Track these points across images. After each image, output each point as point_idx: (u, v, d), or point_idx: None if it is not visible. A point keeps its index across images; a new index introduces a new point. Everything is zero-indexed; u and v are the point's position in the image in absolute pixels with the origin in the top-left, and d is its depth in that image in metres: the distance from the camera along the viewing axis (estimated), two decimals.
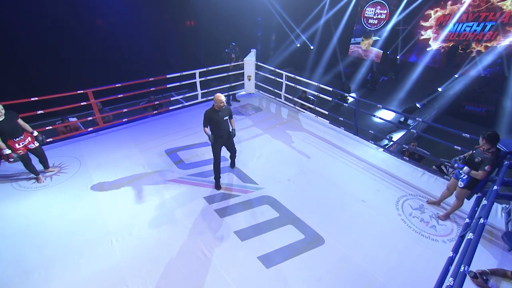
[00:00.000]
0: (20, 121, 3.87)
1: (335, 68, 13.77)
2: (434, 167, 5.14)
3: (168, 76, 5.95)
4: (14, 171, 4.30)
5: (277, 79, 6.61)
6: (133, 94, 5.76)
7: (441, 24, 10.84)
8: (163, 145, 5.17)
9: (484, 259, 3.08)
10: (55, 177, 4.29)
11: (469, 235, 2.37)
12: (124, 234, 3.34)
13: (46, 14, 7.63)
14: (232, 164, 4.59)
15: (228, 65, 6.77)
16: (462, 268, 2.04)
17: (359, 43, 13.53)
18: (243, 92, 7.44)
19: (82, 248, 3.16)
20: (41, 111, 4.70)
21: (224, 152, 4.22)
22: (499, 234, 3.37)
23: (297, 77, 6.31)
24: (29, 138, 3.97)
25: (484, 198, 3.19)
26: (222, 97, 3.74)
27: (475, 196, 3.42)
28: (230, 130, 4.00)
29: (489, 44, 9.80)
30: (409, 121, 9.29)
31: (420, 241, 3.34)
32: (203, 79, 6.42)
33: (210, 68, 6.44)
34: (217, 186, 4.10)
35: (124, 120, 5.86)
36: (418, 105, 9.88)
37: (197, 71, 6.22)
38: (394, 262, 3.09)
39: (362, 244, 3.30)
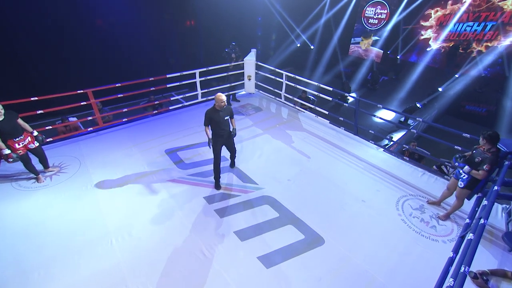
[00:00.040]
0: (20, 121, 3.86)
1: (335, 68, 13.77)
2: (434, 167, 5.13)
3: (168, 76, 5.95)
4: (14, 171, 4.30)
5: (277, 79, 6.61)
6: (133, 94, 5.75)
7: (441, 23, 10.83)
8: (163, 145, 5.17)
9: (485, 259, 3.08)
10: (55, 177, 4.29)
11: (470, 236, 2.37)
12: (124, 234, 3.33)
13: (46, 14, 7.63)
14: (232, 164, 4.58)
15: (228, 65, 6.77)
16: (462, 269, 2.04)
17: (358, 43, 13.53)
18: (243, 92, 7.44)
19: (82, 248, 3.16)
20: (41, 111, 4.70)
21: (224, 152, 4.21)
22: (500, 235, 3.36)
23: (297, 77, 6.30)
24: (29, 138, 3.97)
25: (484, 199, 3.18)
26: (223, 96, 3.74)
27: (475, 196, 3.42)
28: (231, 129, 4.00)
29: (489, 44, 9.78)
30: (410, 121, 9.29)
31: (420, 241, 3.34)
32: (203, 79, 6.42)
33: (210, 68, 6.44)
34: (217, 186, 4.10)
35: (124, 120, 5.85)
36: (418, 105, 9.87)
37: (197, 71, 6.22)
38: (394, 262, 3.09)
39: (362, 244, 3.30)
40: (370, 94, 11.63)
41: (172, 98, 7.58)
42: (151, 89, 5.89)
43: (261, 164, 4.71)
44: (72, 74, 8.26)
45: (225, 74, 6.74)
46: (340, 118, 5.67)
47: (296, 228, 3.47)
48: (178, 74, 6.00)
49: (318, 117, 6.20)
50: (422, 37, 11.48)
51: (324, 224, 3.53)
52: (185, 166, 4.60)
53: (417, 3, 11.04)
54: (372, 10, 12.52)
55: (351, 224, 3.58)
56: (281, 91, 6.66)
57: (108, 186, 4.11)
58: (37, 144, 4.06)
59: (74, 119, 6.31)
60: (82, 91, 4.99)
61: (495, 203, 3.69)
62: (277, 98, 7.01)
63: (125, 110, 5.79)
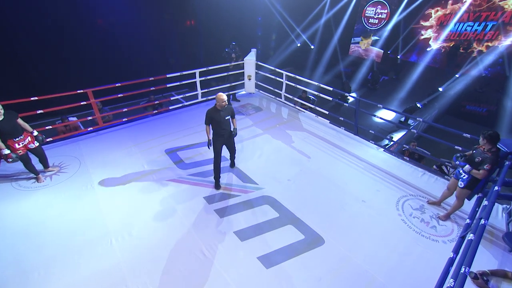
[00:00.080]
0: (20, 120, 3.86)
1: (336, 67, 13.77)
2: (434, 167, 5.13)
3: (168, 75, 5.95)
4: (14, 171, 4.30)
5: (278, 78, 6.60)
6: (133, 93, 5.75)
7: (442, 23, 10.82)
8: (163, 144, 5.17)
9: (485, 259, 3.07)
10: (55, 176, 4.29)
11: (470, 236, 2.37)
12: (124, 234, 3.33)
13: (46, 14, 7.62)
14: (232, 164, 4.58)
15: (228, 64, 6.77)
16: (462, 269, 2.03)
17: (358, 42, 13.53)
18: (243, 92, 7.44)
19: (82, 248, 3.16)
20: (41, 111, 4.70)
21: (224, 152, 4.21)
22: (500, 235, 3.35)
23: (298, 76, 6.30)
24: (29, 138, 3.97)
25: (485, 199, 3.18)
26: (224, 96, 3.75)
27: (475, 196, 3.41)
28: (232, 129, 4.00)
29: (490, 44, 9.77)
30: (410, 121, 9.28)
31: (421, 242, 3.33)
32: (203, 78, 6.42)
33: (210, 68, 6.43)
34: (217, 185, 4.10)
35: (124, 119, 5.85)
36: (418, 105, 9.86)
37: (197, 71, 6.22)
38: (394, 262, 3.08)
39: (362, 244, 3.29)
40: (370, 94, 11.62)
41: (172, 98, 7.58)
42: (151, 89, 5.89)
43: (261, 164, 4.71)
44: (72, 74, 8.25)
45: (225, 74, 6.73)
46: (340, 118, 5.67)
47: (296, 228, 3.46)
48: (178, 74, 6.00)
49: (318, 117, 6.20)
50: (422, 37, 11.47)
51: (324, 224, 3.53)
52: (185, 166, 4.60)
53: (417, 2, 11.02)
54: (373, 10, 12.51)
55: (351, 224, 3.58)
56: (281, 91, 6.65)
57: (108, 186, 4.11)
58: (37, 144, 4.06)
59: (74, 119, 6.32)
60: (82, 91, 4.99)
61: (496, 203, 3.69)
62: (277, 98, 7.01)
63: (125, 110, 5.79)
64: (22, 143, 3.87)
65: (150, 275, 2.88)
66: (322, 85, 5.96)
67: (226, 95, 3.98)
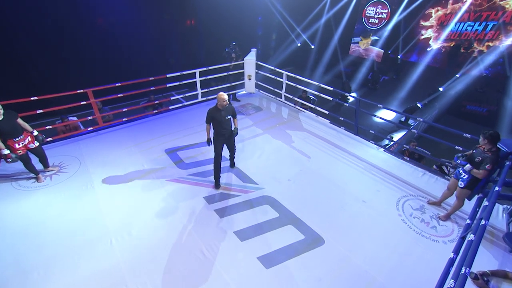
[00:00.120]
0: (19, 120, 3.86)
1: (336, 67, 13.76)
2: (434, 167, 5.12)
3: (168, 75, 5.95)
4: (14, 171, 4.30)
5: (278, 78, 6.60)
6: (133, 93, 5.75)
7: (442, 23, 10.80)
8: (163, 144, 5.17)
9: (485, 260, 3.07)
10: (55, 176, 4.29)
11: (470, 236, 2.36)
12: (124, 234, 3.33)
13: (46, 14, 7.62)
14: (232, 164, 4.58)
15: (228, 64, 6.76)
16: (463, 270, 2.03)
17: (358, 42, 13.52)
18: (244, 92, 7.43)
19: (81, 248, 3.16)
20: (41, 111, 4.70)
21: (224, 152, 4.21)
22: (500, 235, 3.35)
23: (298, 76, 6.29)
24: (29, 138, 3.96)
25: (485, 199, 3.17)
26: (225, 96, 3.76)
27: (476, 196, 3.41)
28: (233, 129, 4.00)
29: (490, 44, 9.76)
30: (410, 121, 9.27)
31: (421, 242, 3.33)
32: (203, 78, 6.41)
33: (210, 68, 6.43)
34: (217, 185, 4.09)
35: (124, 119, 5.85)
36: (419, 104, 9.85)
37: (197, 71, 6.21)
38: (394, 262, 3.08)
39: (362, 244, 3.29)
40: (370, 94, 11.62)
41: (172, 98, 7.58)
42: (151, 88, 5.89)
43: (261, 164, 4.71)
44: (72, 74, 8.25)
45: (225, 73, 6.73)
46: (340, 118, 5.66)
47: (296, 228, 3.46)
48: (178, 73, 5.99)
49: (319, 117, 6.19)
50: (423, 37, 11.46)
51: (324, 224, 3.52)
52: (185, 165, 4.60)
53: (418, 2, 11.01)
54: (373, 10, 12.51)
55: (351, 224, 3.57)
56: (282, 90, 6.65)
57: (108, 186, 4.11)
58: (37, 143, 4.06)
59: (74, 118, 6.32)
60: (82, 90, 4.99)
61: (496, 204, 3.67)
62: (277, 98, 7.00)
63: (125, 109, 5.78)
64: (22, 143, 3.87)
65: (150, 275, 2.88)
66: (322, 85, 5.95)
67: (227, 95, 3.98)
